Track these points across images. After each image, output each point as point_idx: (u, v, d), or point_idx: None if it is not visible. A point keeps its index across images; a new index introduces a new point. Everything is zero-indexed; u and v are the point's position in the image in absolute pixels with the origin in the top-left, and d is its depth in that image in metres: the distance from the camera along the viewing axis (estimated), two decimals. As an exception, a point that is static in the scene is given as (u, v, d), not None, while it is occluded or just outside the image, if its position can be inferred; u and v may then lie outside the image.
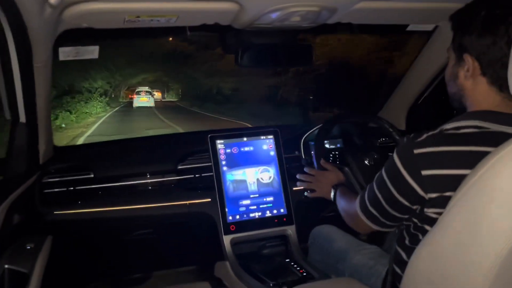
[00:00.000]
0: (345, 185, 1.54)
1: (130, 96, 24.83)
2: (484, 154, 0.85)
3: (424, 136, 0.98)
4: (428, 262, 0.97)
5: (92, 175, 1.68)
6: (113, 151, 1.93)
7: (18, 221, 1.39)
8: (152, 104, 21.00)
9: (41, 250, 1.36)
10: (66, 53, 1.38)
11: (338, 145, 2.06)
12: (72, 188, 1.65)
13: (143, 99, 21.07)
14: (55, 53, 1.41)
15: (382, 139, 1.96)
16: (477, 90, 1.01)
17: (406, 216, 1.05)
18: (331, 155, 1.80)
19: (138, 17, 1.14)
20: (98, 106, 13.33)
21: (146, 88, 21.72)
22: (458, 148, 0.94)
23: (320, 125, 1.81)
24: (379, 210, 1.11)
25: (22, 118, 1.40)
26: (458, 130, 0.97)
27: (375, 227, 1.16)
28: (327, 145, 2.03)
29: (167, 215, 1.71)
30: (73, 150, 1.95)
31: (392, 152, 1.05)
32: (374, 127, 1.97)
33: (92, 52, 1.43)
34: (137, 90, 21.43)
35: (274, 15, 1.24)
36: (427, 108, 2.07)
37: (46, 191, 1.62)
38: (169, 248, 1.93)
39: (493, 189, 0.82)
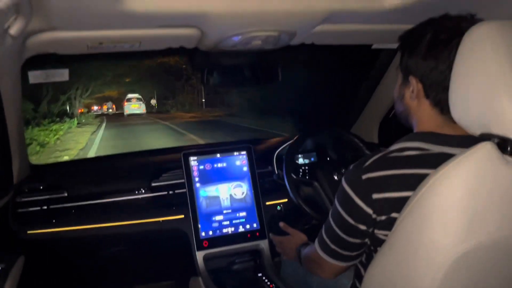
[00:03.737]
0: (308, 244, 1.52)
1: (92, 108, 23.57)
2: (425, 176, 0.89)
3: (370, 161, 1.01)
4: (379, 279, 1.00)
5: (66, 194, 1.70)
6: (87, 169, 1.95)
7: (-10, 242, 1.41)
8: (143, 110, 20.80)
9: (12, 271, 1.37)
10: (35, 76, 1.41)
11: (312, 159, 2.11)
12: (45, 207, 1.67)
13: (135, 106, 20.92)
14: (25, 76, 1.44)
15: (355, 155, 1.99)
16: (421, 111, 1.04)
17: (366, 240, 1.07)
18: (301, 170, 1.83)
19: (101, 43, 1.17)
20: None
21: (137, 95, 21.52)
22: (402, 171, 0.97)
23: (291, 141, 1.85)
24: (339, 244, 1.10)
25: None
26: (401, 152, 1.00)
27: (340, 264, 1.14)
28: (300, 159, 2.08)
29: (141, 232, 1.73)
30: (49, 168, 1.96)
31: None
32: (348, 141, 2.02)
33: (62, 75, 1.46)
34: (127, 97, 21.26)
35: (236, 39, 1.28)
36: (398, 121, 2.11)
37: (19, 210, 1.64)
38: (146, 264, 1.95)
39: (431, 209, 0.86)
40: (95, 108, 24.39)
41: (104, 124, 16.24)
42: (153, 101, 27.21)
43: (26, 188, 1.67)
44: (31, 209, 1.66)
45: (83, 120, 16.92)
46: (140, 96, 21.48)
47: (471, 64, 0.87)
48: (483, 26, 0.87)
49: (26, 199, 1.66)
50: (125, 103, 20.98)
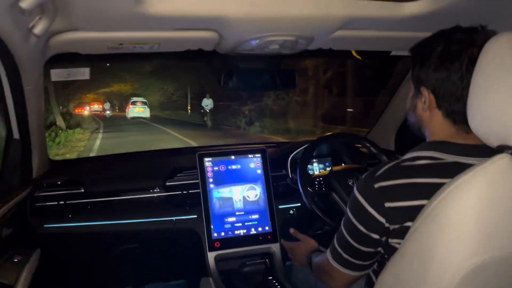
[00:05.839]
0: (319, 250, 1.52)
1: (79, 110, 21.18)
2: (438, 185, 0.88)
3: (382, 170, 1.01)
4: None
5: (83, 190, 1.74)
6: (104, 166, 1.98)
7: (8, 234, 1.45)
8: (148, 114, 20.09)
9: (28, 263, 1.41)
10: (57, 74, 1.45)
11: (327, 164, 2.11)
12: (62, 202, 1.70)
13: (139, 109, 20.00)
14: (48, 74, 1.48)
15: (370, 161, 1.98)
16: (433, 122, 1.04)
17: (379, 249, 1.06)
18: (316, 182, 1.82)
19: (121, 44, 1.20)
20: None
21: (142, 99, 20.54)
22: (414, 180, 0.97)
23: (306, 145, 1.85)
24: (352, 254, 1.10)
25: (16, 135, 1.47)
26: (414, 161, 1.00)
27: (352, 274, 1.13)
28: (315, 165, 2.08)
29: (154, 231, 1.76)
30: (67, 164, 2.01)
31: None
32: (363, 147, 2.00)
33: (83, 73, 1.50)
34: (132, 100, 20.15)
35: (254, 43, 1.29)
36: (415, 129, 2.09)
37: (37, 204, 1.68)
38: (158, 263, 1.97)
39: (445, 219, 0.85)
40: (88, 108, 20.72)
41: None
42: (208, 102, 15.48)
43: (45, 183, 1.71)
44: (48, 203, 1.69)
45: None
46: (145, 100, 20.35)
47: (491, 74, 0.86)
48: (504, 37, 0.86)
49: (44, 194, 1.70)
50: (130, 106, 20.15)
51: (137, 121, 17.98)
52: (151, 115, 19.93)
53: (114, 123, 17.71)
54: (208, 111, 15.71)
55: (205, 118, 15.65)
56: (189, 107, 20.83)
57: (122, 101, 22.03)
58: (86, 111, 21.97)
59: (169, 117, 20.05)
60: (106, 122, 18.33)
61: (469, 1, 1.16)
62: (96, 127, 16.40)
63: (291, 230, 1.71)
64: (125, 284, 2.09)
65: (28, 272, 1.36)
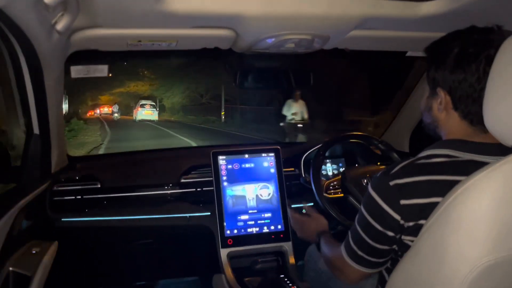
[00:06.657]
0: (328, 232, 1.53)
1: (91, 113, 20.96)
2: (454, 182, 0.88)
3: (397, 167, 1.01)
4: (402, 286, 1.00)
5: (99, 185, 1.77)
6: (120, 162, 2.02)
7: (27, 226, 1.49)
8: (156, 117, 19.97)
9: (46, 255, 1.45)
10: (77, 71, 1.49)
11: (340, 164, 2.11)
12: (79, 196, 1.74)
13: (148, 112, 19.83)
14: (68, 71, 1.52)
15: (384, 163, 1.97)
16: (449, 123, 1.04)
17: (394, 246, 1.06)
18: (331, 186, 1.82)
19: (140, 41, 1.23)
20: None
21: (151, 102, 20.19)
22: (429, 177, 0.97)
23: (319, 145, 1.85)
24: (367, 251, 1.10)
25: (36, 130, 1.51)
26: (429, 159, 1.00)
27: (367, 271, 1.13)
28: (328, 165, 2.08)
29: (168, 227, 1.78)
30: (85, 160, 2.05)
31: None
32: (377, 148, 2.00)
33: (101, 70, 1.53)
34: (141, 103, 19.94)
35: (269, 41, 1.31)
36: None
37: (55, 198, 1.72)
38: (171, 258, 2.00)
39: (459, 217, 0.85)
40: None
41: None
42: (296, 109, 6.52)
43: (63, 177, 1.75)
44: (66, 197, 1.73)
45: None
46: (154, 103, 20.12)
47: (507, 74, 0.86)
48: None
49: (62, 188, 1.74)
50: (139, 109, 19.90)
51: (158, 134, 14.00)
52: (175, 121, 19.47)
53: (125, 136, 13.64)
54: (299, 125, 7.47)
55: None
56: (222, 112, 16.91)
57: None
58: (95, 114, 21.73)
59: (207, 127, 15.22)
60: (114, 132, 14.54)
61: (486, 1, 1.15)
62: (98, 142, 12.09)
63: (306, 207, 1.70)
64: (139, 279, 2.12)
65: (46, 264, 1.40)
